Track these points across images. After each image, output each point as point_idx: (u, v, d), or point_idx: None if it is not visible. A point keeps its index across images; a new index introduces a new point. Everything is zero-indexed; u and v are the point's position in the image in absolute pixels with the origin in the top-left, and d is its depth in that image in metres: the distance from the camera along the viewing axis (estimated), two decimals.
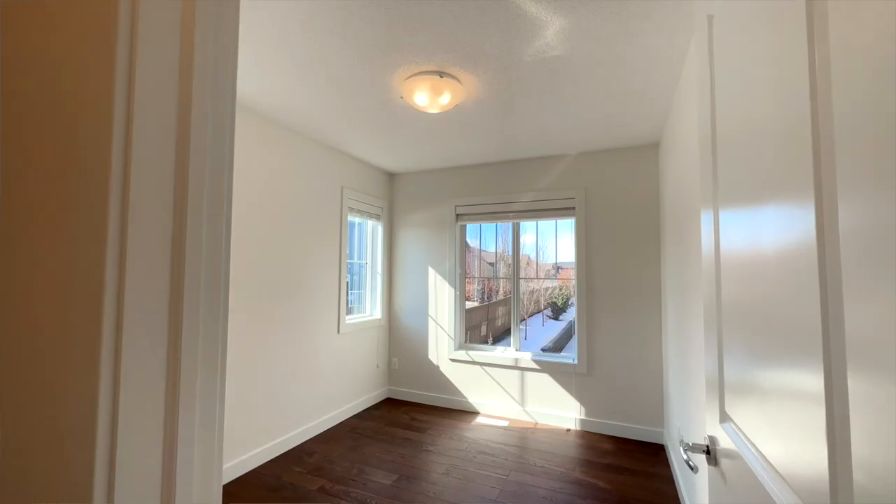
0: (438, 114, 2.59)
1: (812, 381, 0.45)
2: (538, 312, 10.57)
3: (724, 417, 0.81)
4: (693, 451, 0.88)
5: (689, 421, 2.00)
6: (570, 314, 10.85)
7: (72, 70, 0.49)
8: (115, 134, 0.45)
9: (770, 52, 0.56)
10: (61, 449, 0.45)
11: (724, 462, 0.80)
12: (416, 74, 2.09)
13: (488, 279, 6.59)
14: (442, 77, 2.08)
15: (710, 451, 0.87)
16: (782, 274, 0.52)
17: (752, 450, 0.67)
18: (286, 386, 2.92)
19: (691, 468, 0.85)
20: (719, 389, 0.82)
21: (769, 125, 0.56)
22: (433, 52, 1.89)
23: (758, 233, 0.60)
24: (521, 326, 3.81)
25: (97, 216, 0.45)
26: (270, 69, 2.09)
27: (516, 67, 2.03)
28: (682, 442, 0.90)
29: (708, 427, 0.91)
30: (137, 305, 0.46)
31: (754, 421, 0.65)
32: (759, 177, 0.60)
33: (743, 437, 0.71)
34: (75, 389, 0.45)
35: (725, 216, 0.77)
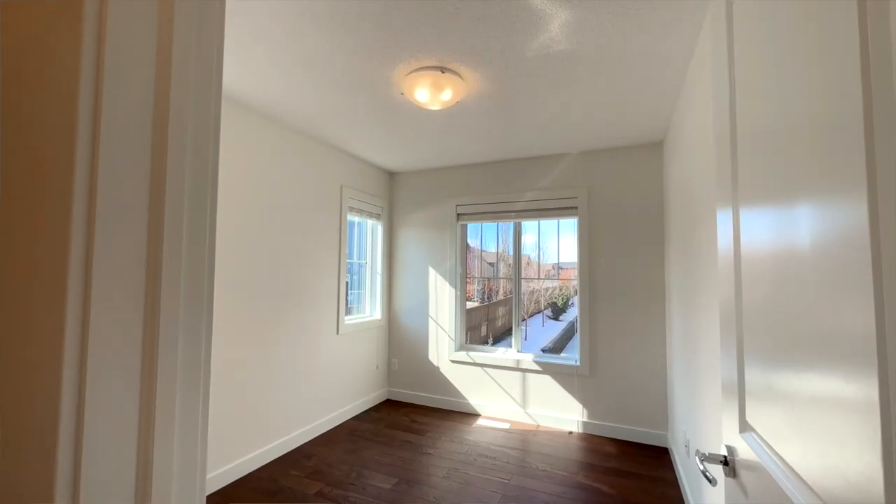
0: (439, 111, 2.55)
1: (863, 389, 0.40)
2: (538, 313, 10.51)
3: (744, 427, 0.76)
4: (710, 462, 0.83)
5: (698, 427, 1.96)
6: (571, 314, 10.81)
7: (35, 52, 0.45)
8: (80, 120, 0.41)
9: (810, 37, 0.51)
10: (22, 453, 0.42)
11: (744, 474, 0.76)
12: (417, 70, 2.04)
13: (488, 279, 6.53)
14: (444, 73, 2.03)
15: (728, 462, 0.82)
16: (824, 273, 0.47)
17: (779, 463, 0.62)
18: (284, 387, 2.87)
19: (709, 480, 0.80)
20: (739, 397, 0.78)
21: (809, 116, 0.51)
22: (435, 46, 1.85)
23: (790, 231, 0.56)
24: (522, 327, 3.77)
25: (60, 211, 0.40)
26: (267, 64, 2.05)
27: (519, 63, 1.98)
28: (697, 452, 0.85)
29: (725, 436, 0.86)
30: (106, 304, 0.42)
31: (783, 432, 0.60)
32: (794, 172, 0.55)
33: (768, 449, 0.66)
34: (35, 392, 0.41)
35: (748, 214, 0.72)
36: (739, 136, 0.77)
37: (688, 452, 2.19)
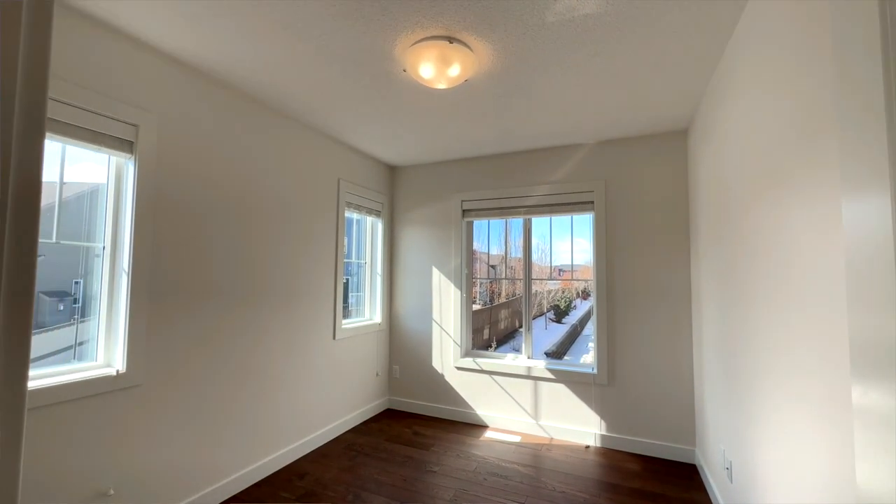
0: (446, 91, 2.30)
1: None
2: (540, 315, 10.26)
3: None
4: None
5: (759, 453, 1.69)
6: (573, 317, 10.57)
7: None
8: None
9: None
10: None
11: None
12: (421, 41, 1.80)
13: (491, 281, 6.27)
14: (451, 43, 1.79)
15: None
16: None
17: None
18: (275, 399, 2.61)
19: None
20: None
21: None
22: (443, 9, 1.60)
23: None
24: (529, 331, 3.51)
25: None
26: (254, 35, 1.80)
27: (537, 31, 1.74)
28: None
29: (864, 495, 0.61)
30: None
31: None
32: None
33: None
34: None
35: None
36: None
37: (729, 476, 1.92)
